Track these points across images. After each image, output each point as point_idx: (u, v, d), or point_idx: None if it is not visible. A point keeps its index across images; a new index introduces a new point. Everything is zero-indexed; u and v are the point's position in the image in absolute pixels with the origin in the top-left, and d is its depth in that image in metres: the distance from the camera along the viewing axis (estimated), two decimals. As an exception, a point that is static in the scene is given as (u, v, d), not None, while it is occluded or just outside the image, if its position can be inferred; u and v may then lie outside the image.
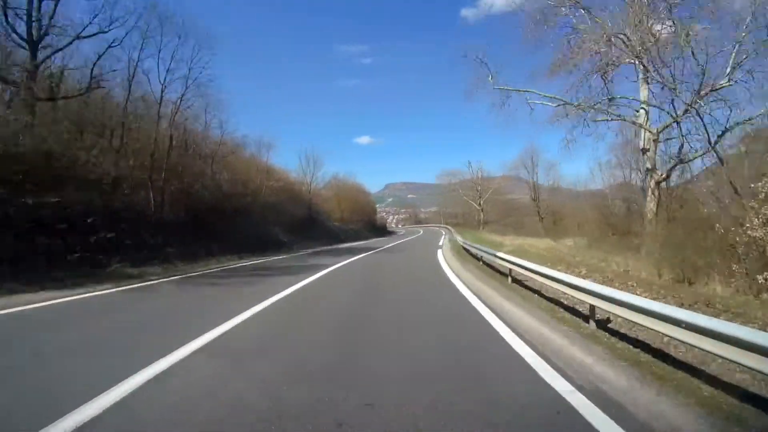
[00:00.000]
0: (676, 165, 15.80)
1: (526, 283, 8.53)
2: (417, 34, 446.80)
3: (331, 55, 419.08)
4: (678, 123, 14.82)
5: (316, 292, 8.10)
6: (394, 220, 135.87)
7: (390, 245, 26.96)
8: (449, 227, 55.40)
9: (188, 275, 10.80)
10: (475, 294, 7.44)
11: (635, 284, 8.51)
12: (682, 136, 15.03)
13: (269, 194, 29.41)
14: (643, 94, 16.02)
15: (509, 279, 9.01)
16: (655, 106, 15.69)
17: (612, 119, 16.63)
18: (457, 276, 10.15)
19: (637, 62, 15.74)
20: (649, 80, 15.70)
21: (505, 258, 9.40)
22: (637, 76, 16.15)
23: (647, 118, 15.98)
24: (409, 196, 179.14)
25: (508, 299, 6.79)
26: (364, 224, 54.36)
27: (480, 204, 51.93)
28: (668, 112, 15.06)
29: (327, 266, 12.56)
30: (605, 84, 16.84)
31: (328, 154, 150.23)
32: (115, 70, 15.83)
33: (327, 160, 58.12)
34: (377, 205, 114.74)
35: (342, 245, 29.46)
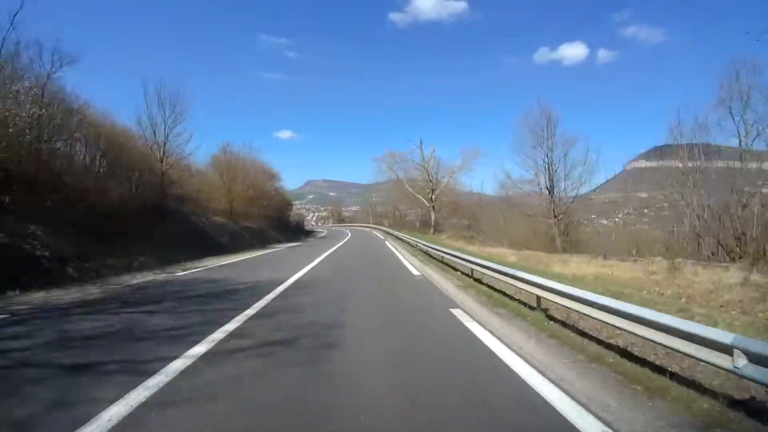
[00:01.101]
0: None
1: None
2: (343, 33, 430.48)
3: (253, 45, 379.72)
4: None
5: None
6: (314, 218, 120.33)
7: (303, 273, 11.78)
8: (388, 229, 41.43)
9: None
10: None
11: None
12: None
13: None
14: None
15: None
16: None
17: None
18: None
19: None
20: None
21: None
22: None
23: None
24: (330, 193, 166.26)
25: None
26: (271, 222, 37.91)
27: (432, 199, 38.61)
28: None
29: None
30: None
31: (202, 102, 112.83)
32: None
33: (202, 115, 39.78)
34: (297, 202, 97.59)
35: (180, 273, 13.56)
